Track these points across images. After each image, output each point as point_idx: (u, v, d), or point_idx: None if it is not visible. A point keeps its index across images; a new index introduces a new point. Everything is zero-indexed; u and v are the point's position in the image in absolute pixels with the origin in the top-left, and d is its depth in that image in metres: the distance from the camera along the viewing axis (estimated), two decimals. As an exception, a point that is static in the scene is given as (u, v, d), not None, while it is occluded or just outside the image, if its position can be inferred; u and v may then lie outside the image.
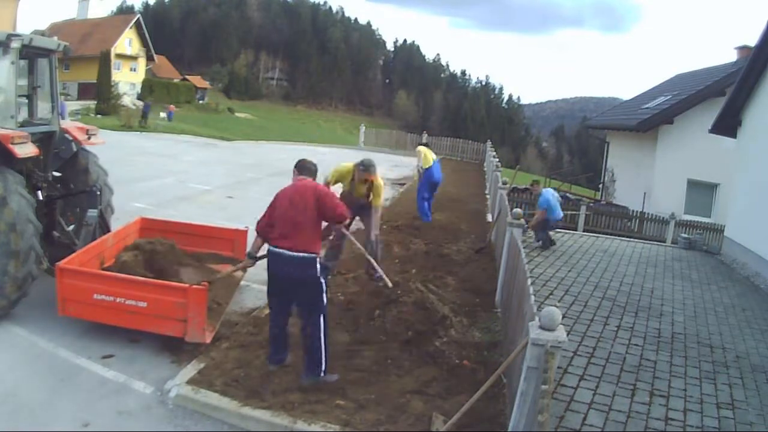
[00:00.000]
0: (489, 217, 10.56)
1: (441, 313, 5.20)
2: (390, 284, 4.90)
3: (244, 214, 9.69)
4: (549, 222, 9.01)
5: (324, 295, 4.18)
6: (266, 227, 4.24)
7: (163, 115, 35.29)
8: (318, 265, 4.10)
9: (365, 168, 6.12)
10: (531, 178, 17.48)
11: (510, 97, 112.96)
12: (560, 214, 9.20)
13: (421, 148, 10.34)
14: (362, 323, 5.14)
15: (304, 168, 4.42)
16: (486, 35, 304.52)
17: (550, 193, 9.23)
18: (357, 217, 6.58)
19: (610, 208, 18.29)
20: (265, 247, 4.27)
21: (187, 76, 65.81)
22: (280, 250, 4.07)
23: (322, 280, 4.16)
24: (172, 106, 38.98)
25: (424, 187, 10.02)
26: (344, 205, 4.43)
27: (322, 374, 4.13)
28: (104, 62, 36.25)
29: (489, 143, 24.68)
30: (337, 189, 6.07)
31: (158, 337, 4.52)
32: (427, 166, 9.92)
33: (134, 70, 52.09)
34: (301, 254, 4.04)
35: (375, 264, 5.17)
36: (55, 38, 5.65)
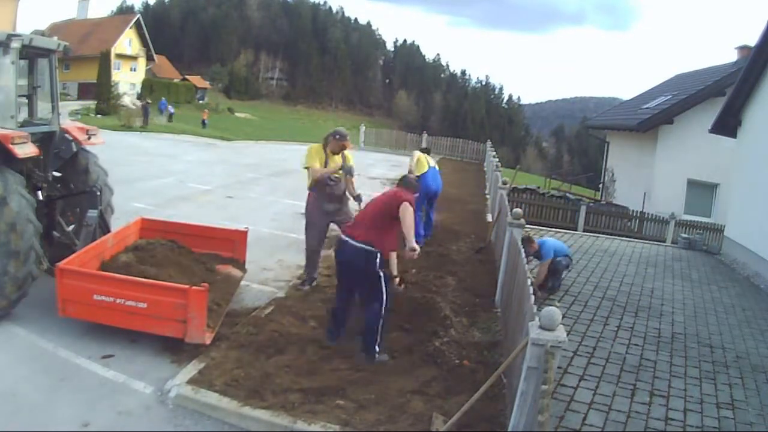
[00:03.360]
0: (489, 217, 10.54)
1: (441, 313, 5.21)
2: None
3: (244, 214, 9.72)
4: (559, 266, 6.98)
5: (383, 287, 4.36)
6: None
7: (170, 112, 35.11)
8: (378, 260, 4.29)
9: (342, 137, 5.97)
10: (531, 179, 17.29)
11: (510, 97, 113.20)
12: (566, 248, 7.33)
13: (417, 152, 8.69)
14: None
15: (404, 180, 4.86)
16: (485, 34, 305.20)
17: (548, 241, 7.14)
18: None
19: (610, 208, 18.28)
20: None
21: (187, 76, 65.87)
22: (346, 238, 4.42)
23: (381, 274, 4.34)
24: (206, 111, 38.99)
25: (417, 201, 8.29)
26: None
27: (376, 356, 4.44)
28: (104, 62, 36.20)
29: (489, 143, 24.70)
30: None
31: (158, 337, 4.52)
32: (420, 173, 8.11)
33: (134, 70, 52.13)
34: (362, 245, 4.28)
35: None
36: (55, 38, 5.64)
